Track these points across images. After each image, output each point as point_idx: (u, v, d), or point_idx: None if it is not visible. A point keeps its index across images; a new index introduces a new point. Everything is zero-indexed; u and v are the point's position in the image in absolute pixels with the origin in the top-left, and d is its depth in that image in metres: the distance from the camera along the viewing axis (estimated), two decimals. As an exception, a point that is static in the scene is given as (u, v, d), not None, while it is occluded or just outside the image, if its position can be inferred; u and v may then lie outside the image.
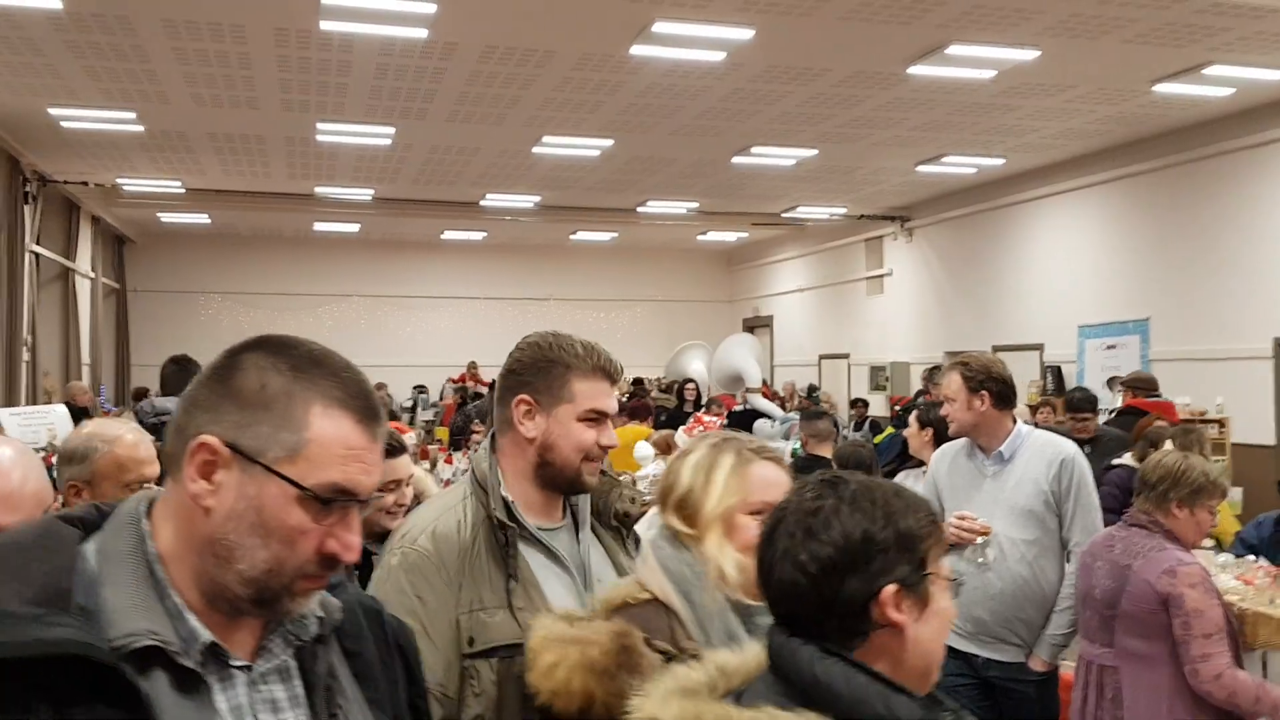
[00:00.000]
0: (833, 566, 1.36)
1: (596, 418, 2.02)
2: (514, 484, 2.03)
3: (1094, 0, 6.95)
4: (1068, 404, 7.28)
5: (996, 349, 13.23)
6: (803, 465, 6.34)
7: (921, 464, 5.04)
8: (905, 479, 5.09)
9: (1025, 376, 12.05)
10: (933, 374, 9.24)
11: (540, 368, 2.03)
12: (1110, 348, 11.37)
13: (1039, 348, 12.47)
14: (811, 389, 16.11)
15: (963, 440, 3.95)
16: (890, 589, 1.36)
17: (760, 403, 11.48)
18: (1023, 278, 12.89)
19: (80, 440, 2.58)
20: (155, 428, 4.65)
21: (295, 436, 1.16)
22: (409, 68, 8.45)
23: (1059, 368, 11.87)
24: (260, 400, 1.18)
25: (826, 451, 6.31)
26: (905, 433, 5.13)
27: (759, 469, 1.92)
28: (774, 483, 1.91)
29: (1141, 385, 8.72)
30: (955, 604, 1.62)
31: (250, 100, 9.39)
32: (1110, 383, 10.61)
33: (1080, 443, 6.75)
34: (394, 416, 15.17)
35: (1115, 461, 6.03)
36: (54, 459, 5.31)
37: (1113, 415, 8.56)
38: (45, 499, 2.02)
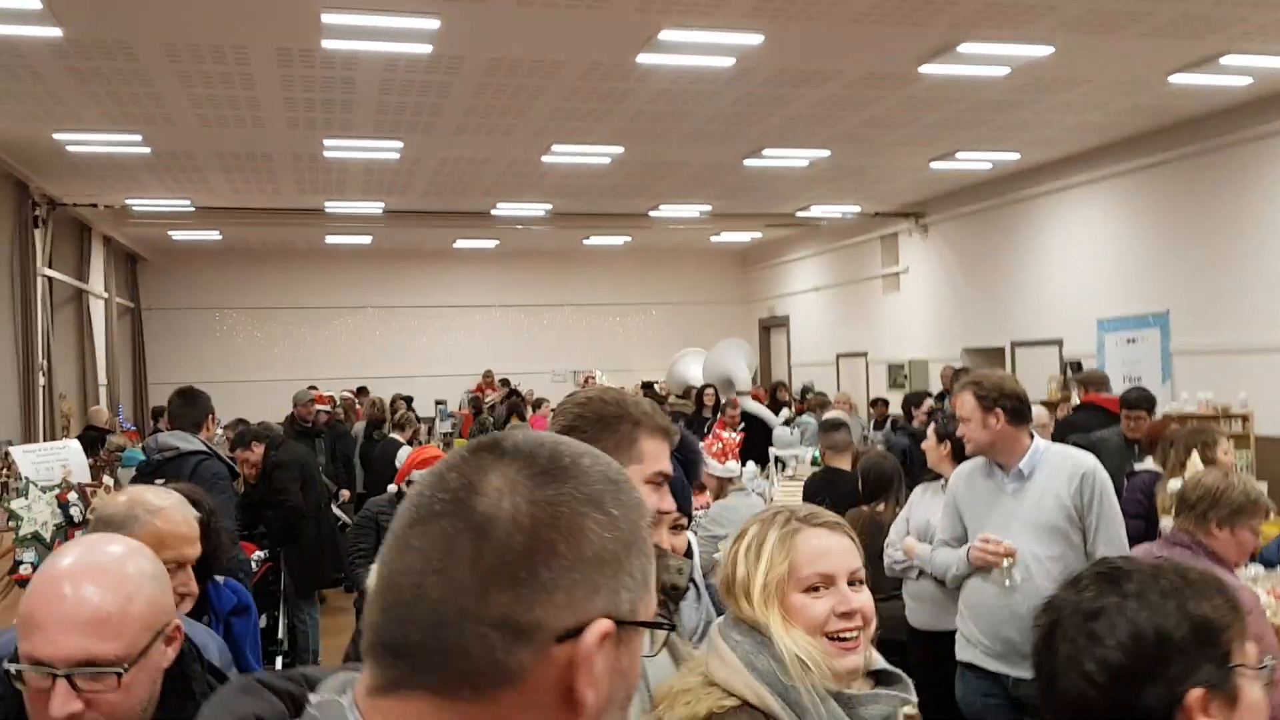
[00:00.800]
0: (1126, 674, 1.21)
1: (660, 481, 1.86)
2: None
3: (1109, -6, 6.81)
4: (1124, 401, 7.09)
5: (1015, 345, 13.12)
6: (822, 478, 6.23)
7: (939, 477, 4.91)
8: (923, 493, 4.96)
9: (1045, 372, 11.90)
10: (958, 375, 9.03)
11: (606, 424, 1.83)
12: (1130, 341, 11.20)
13: (1058, 343, 12.31)
14: (805, 390, 15.80)
15: (980, 458, 3.88)
16: (1195, 694, 1.20)
17: (751, 405, 11.50)
18: (1040, 272, 12.73)
19: (120, 508, 2.34)
20: (160, 465, 4.59)
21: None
22: (415, 83, 8.38)
23: (1079, 363, 11.70)
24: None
25: (845, 464, 6.19)
26: (923, 445, 5.01)
27: (807, 538, 1.77)
28: (826, 551, 1.75)
29: (1094, 382, 8.78)
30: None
31: (256, 119, 9.34)
32: (1067, 382, 10.86)
33: (1130, 442, 6.67)
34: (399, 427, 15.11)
35: (1138, 467, 5.90)
36: (69, 496, 5.27)
37: (1072, 411, 8.90)
38: (157, 619, 1.63)
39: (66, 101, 8.56)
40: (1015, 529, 3.68)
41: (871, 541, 5.33)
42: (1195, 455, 4.54)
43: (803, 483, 6.54)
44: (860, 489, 5.49)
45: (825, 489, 6.03)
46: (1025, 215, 12.97)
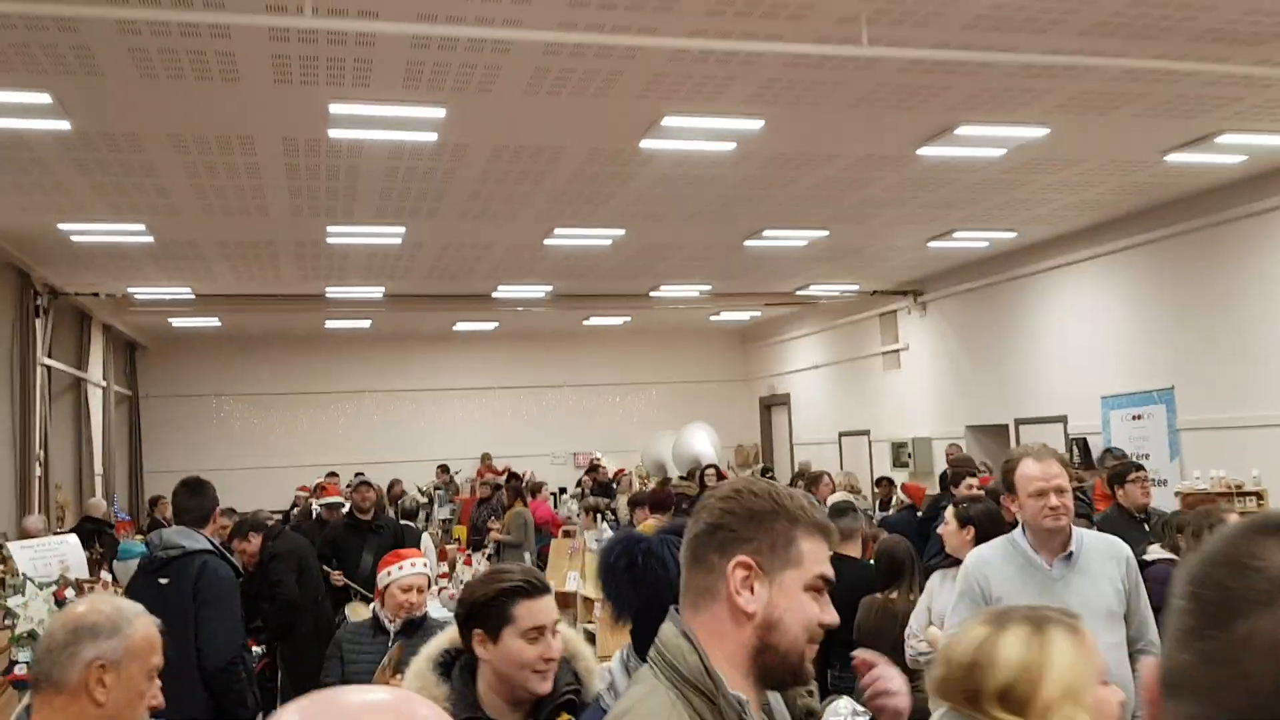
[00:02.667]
0: None
1: (822, 587, 1.65)
2: (724, 675, 1.58)
3: (1102, 78, 6.91)
4: (1115, 475, 6.95)
5: (1019, 422, 13.06)
6: (838, 565, 6.11)
7: (958, 563, 4.76)
8: (942, 580, 4.84)
9: (1059, 449, 11.80)
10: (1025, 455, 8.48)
11: (760, 521, 1.62)
12: (1136, 418, 11.16)
13: (1062, 420, 12.26)
14: (765, 469, 15.55)
15: (1002, 541, 3.71)
16: None
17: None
18: (1042, 349, 12.73)
19: (107, 615, 2.24)
20: (165, 562, 4.48)
21: None
22: (419, 169, 8.45)
23: (1084, 440, 11.64)
24: None
25: (855, 551, 6.07)
26: (942, 530, 4.88)
27: (1082, 638, 1.73)
28: (1094, 648, 1.75)
29: (961, 465, 8.85)
30: None
31: (260, 208, 9.39)
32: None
33: (1133, 517, 6.50)
34: (410, 515, 14.95)
35: (1151, 556, 5.72)
36: (66, 593, 5.16)
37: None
38: None
39: (72, 192, 8.61)
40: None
41: (887, 630, 5.22)
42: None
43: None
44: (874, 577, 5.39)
45: (835, 578, 5.91)
46: (1024, 292, 13.02)
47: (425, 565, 4.50)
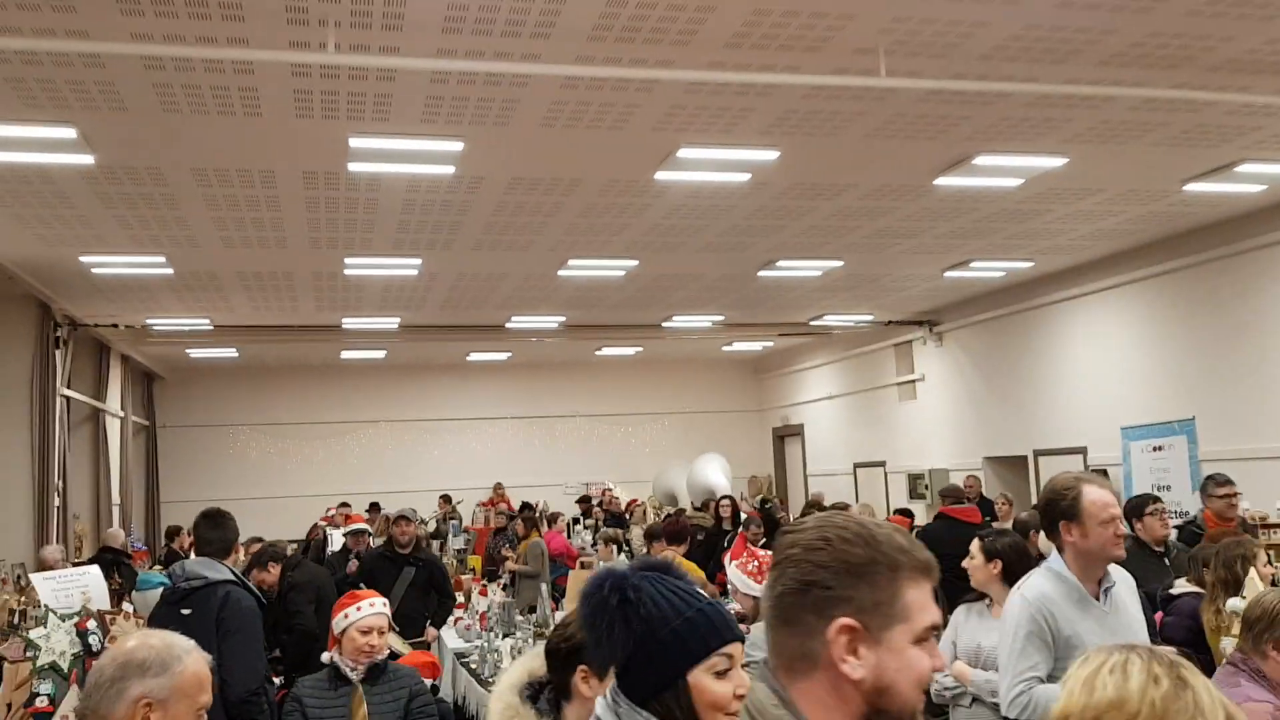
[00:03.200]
0: None
1: (929, 636, 1.49)
2: None
3: (1122, 107, 6.92)
4: (1134, 509, 6.85)
5: (1038, 453, 12.98)
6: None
7: (983, 596, 4.70)
8: (967, 614, 4.76)
9: (1111, 481, 11.72)
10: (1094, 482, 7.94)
11: (859, 575, 1.45)
12: (1157, 449, 11.08)
13: (1082, 451, 12.18)
14: (764, 501, 15.33)
15: (1050, 575, 3.49)
16: None
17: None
18: (1060, 379, 12.67)
19: (156, 651, 2.18)
20: (186, 594, 4.47)
21: None
22: (435, 202, 8.49)
23: (1105, 471, 11.55)
24: None
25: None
26: (967, 564, 4.79)
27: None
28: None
29: (949, 494, 9.42)
30: None
31: (279, 240, 9.45)
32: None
33: (1153, 551, 6.42)
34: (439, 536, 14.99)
35: (1177, 590, 5.65)
36: (88, 624, 5.15)
37: (932, 522, 9.29)
38: None
39: (94, 225, 8.69)
40: None
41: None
42: (1254, 572, 4.40)
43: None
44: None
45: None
46: (1041, 322, 12.97)
47: (385, 606, 4.28)
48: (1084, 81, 6.33)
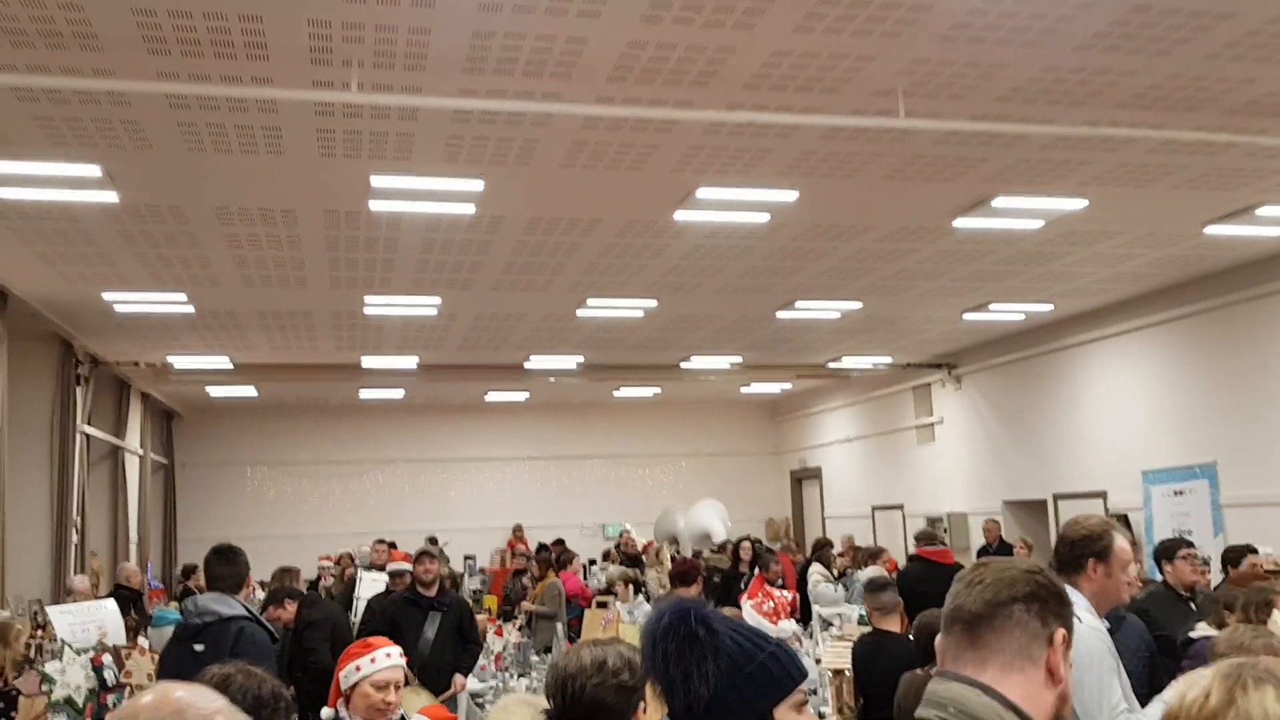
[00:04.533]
0: None
1: None
2: None
3: (1141, 149, 6.92)
4: (1163, 551, 6.74)
5: (1058, 497, 12.85)
6: (871, 642, 5.99)
7: None
8: None
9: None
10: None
11: (1064, 603, 1.78)
12: (1178, 494, 10.96)
13: (1102, 495, 12.05)
14: (755, 544, 14.92)
15: (1087, 615, 3.49)
16: None
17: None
18: (1080, 423, 12.58)
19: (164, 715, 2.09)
20: (201, 628, 4.46)
21: None
22: (455, 241, 8.54)
23: (1125, 516, 11.42)
24: None
25: (895, 625, 5.95)
26: None
27: None
28: None
29: (924, 538, 9.61)
30: None
31: (299, 279, 9.52)
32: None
33: (1180, 596, 6.31)
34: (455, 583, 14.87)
35: (1197, 634, 5.54)
36: (103, 659, 5.14)
37: (909, 564, 9.66)
38: None
39: (116, 263, 8.77)
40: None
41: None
42: (1277, 615, 4.33)
43: (850, 644, 6.29)
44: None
45: (875, 653, 5.80)
46: (1061, 365, 12.90)
47: (400, 656, 3.80)
48: (1103, 123, 6.34)
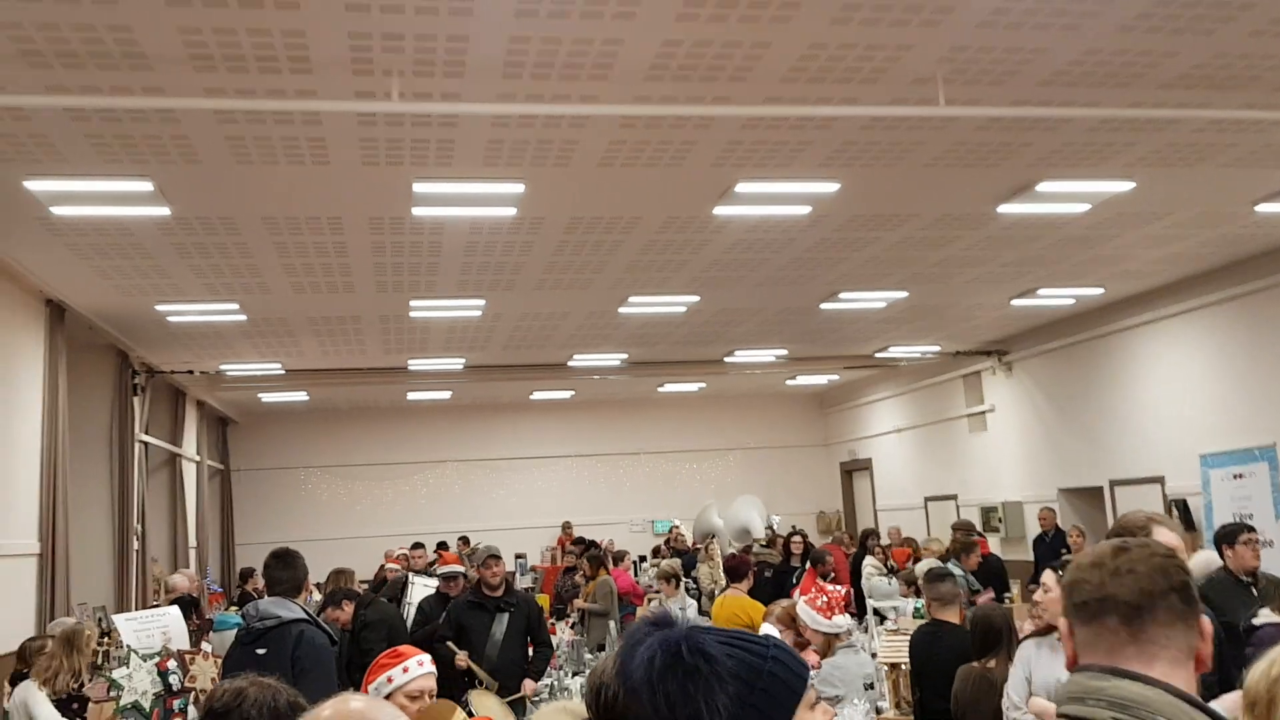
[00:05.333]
0: None
1: None
2: None
3: (1188, 129, 6.81)
4: (1224, 536, 6.64)
5: (1114, 483, 12.69)
6: (929, 632, 5.97)
7: (1050, 630, 4.56)
8: (1038, 649, 4.64)
9: (1176, 522, 11.42)
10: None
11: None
12: (1237, 477, 10.76)
13: (1160, 480, 11.87)
14: (794, 532, 14.76)
15: None
16: None
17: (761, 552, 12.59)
18: (1135, 407, 12.39)
19: None
20: (262, 633, 4.55)
21: None
22: (498, 243, 8.61)
23: (1184, 501, 11.25)
24: None
25: (953, 616, 5.91)
26: (1041, 597, 4.65)
27: None
28: None
29: (961, 528, 10.90)
30: None
31: (346, 285, 9.65)
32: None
33: (1239, 581, 6.20)
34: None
35: (1261, 620, 5.45)
36: (168, 664, 5.27)
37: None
38: None
39: (170, 275, 8.95)
40: None
41: (985, 699, 5.06)
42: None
43: (908, 637, 6.27)
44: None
45: (933, 643, 5.78)
46: (1113, 349, 12.72)
47: (431, 663, 3.68)
48: (1148, 104, 6.25)
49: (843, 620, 5.04)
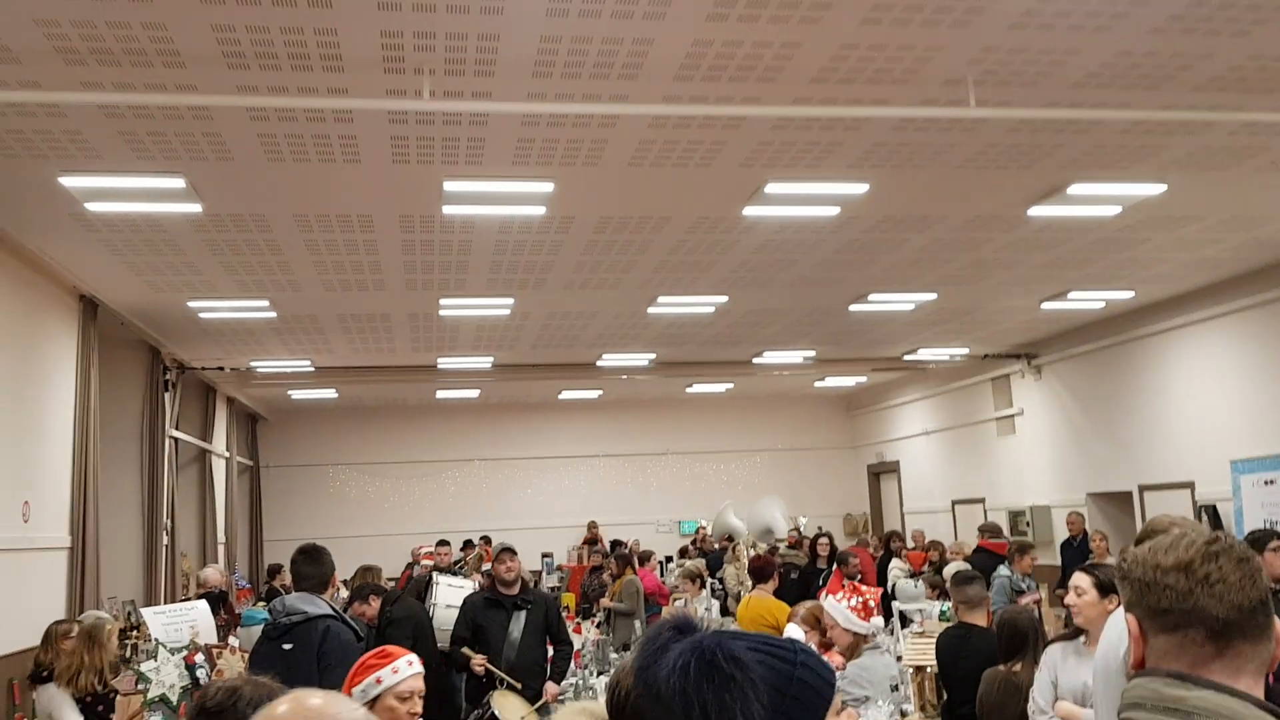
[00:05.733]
0: None
1: None
2: None
3: (1221, 132, 6.74)
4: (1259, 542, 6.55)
5: (1144, 488, 12.57)
6: (957, 635, 5.94)
7: (1081, 633, 4.49)
8: (1064, 653, 4.58)
9: (1201, 525, 11.30)
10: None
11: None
12: (1269, 483, 10.63)
13: (1189, 486, 11.75)
14: (820, 534, 14.65)
15: None
16: None
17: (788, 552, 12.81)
18: (1165, 412, 12.27)
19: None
20: (288, 628, 4.58)
21: None
22: (527, 242, 8.64)
23: (1214, 507, 11.13)
24: None
25: (981, 619, 5.88)
26: (1073, 600, 4.56)
27: None
28: None
29: (988, 530, 11.09)
30: None
31: (376, 283, 9.71)
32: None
33: None
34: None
35: None
36: (196, 657, 5.32)
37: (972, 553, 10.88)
38: None
39: (202, 271, 9.04)
40: None
41: (1010, 703, 5.03)
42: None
43: (934, 639, 6.24)
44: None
45: (960, 646, 5.75)
46: (1144, 353, 12.60)
47: (420, 663, 3.56)
48: (1181, 107, 6.19)
49: (878, 621, 5.00)
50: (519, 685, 6.41)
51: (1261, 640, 1.59)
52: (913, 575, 10.80)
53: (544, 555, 16.82)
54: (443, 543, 12.84)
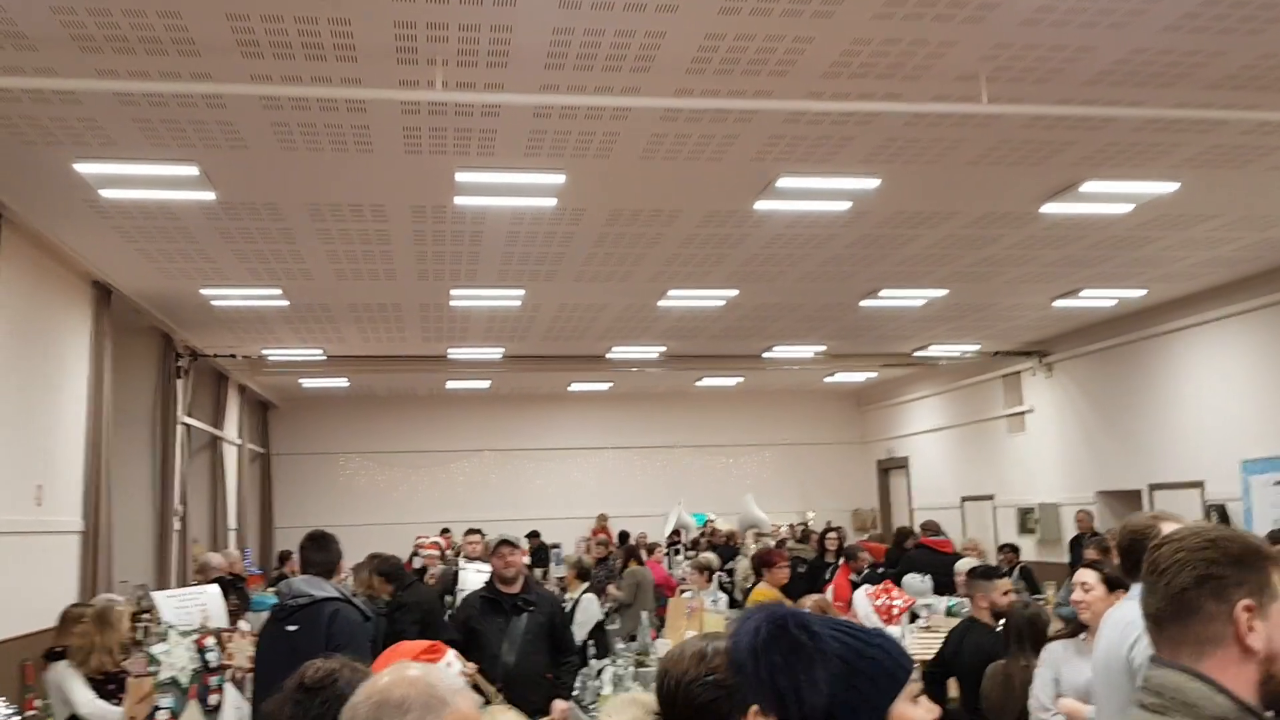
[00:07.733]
0: None
1: None
2: None
3: (1234, 131, 6.72)
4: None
5: (1153, 487, 12.54)
6: (959, 630, 5.96)
7: (1078, 631, 4.50)
8: (1065, 650, 4.59)
9: (1188, 517, 11.27)
10: None
11: (1248, 562, 1.75)
12: (1279, 484, 10.60)
13: (1199, 485, 11.72)
14: (829, 528, 14.56)
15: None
16: None
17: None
18: (1175, 411, 12.24)
19: (418, 691, 1.77)
20: (293, 611, 4.63)
21: None
22: (538, 234, 8.67)
23: (1223, 506, 11.10)
24: None
25: (983, 614, 5.91)
26: (1081, 596, 4.54)
27: None
28: None
29: (929, 528, 11.67)
30: None
31: (388, 272, 9.75)
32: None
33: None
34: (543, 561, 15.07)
35: None
36: (206, 641, 5.37)
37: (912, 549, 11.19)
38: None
39: (215, 259, 9.09)
40: None
41: (1011, 700, 5.05)
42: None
43: (943, 634, 6.25)
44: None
45: (960, 641, 5.77)
46: (1156, 352, 12.57)
47: (459, 661, 3.33)
48: (1194, 105, 6.17)
49: (895, 629, 4.96)
50: (503, 701, 5.20)
51: (1191, 625, 1.73)
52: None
53: (552, 547, 16.84)
54: (473, 531, 12.76)
